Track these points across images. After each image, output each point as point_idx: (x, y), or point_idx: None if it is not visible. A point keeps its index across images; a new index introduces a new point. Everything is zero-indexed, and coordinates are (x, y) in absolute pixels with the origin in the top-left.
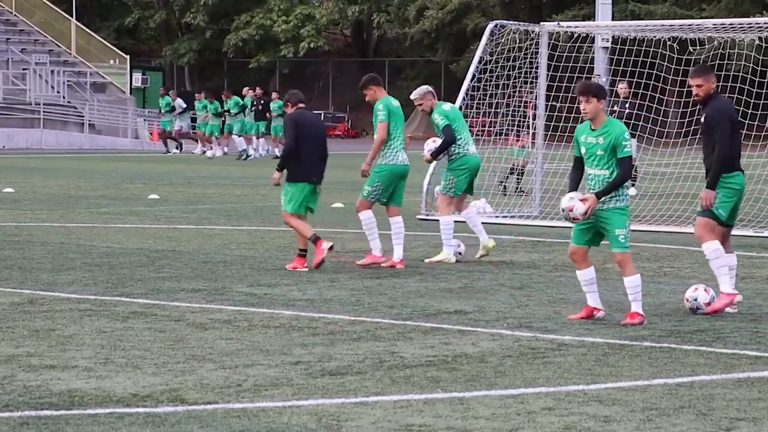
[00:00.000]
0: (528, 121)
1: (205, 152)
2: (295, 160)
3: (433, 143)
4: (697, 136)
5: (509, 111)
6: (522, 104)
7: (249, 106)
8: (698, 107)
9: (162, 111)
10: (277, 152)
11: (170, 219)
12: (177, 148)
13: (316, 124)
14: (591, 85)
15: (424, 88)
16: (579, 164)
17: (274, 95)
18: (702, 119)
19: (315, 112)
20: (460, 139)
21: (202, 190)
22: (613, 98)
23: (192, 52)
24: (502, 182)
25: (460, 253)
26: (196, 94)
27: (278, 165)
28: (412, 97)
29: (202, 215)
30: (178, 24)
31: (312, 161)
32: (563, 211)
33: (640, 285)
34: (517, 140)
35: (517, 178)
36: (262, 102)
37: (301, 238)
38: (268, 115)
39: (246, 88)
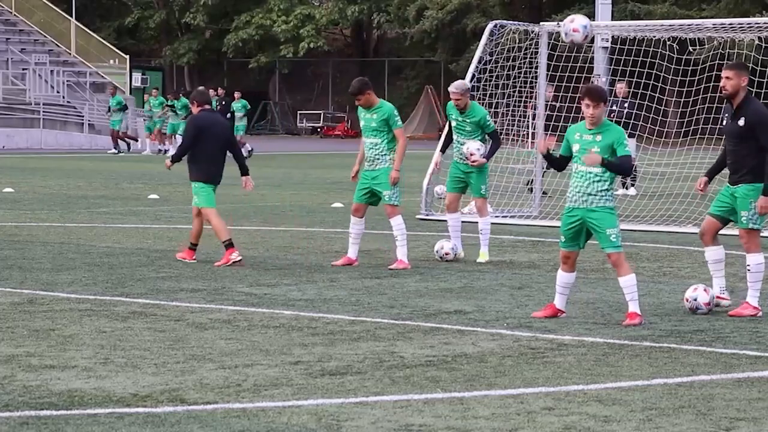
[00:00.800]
0: (528, 121)
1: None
2: (200, 162)
3: (476, 149)
4: (713, 136)
5: (509, 111)
6: (523, 104)
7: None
8: (698, 107)
9: (112, 109)
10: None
11: (170, 219)
12: (125, 147)
13: (219, 125)
14: (601, 90)
15: (466, 83)
16: (562, 160)
17: (236, 95)
18: (740, 122)
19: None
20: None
21: None
22: (612, 98)
23: (192, 52)
24: (528, 183)
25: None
26: (168, 95)
27: (172, 158)
28: (452, 89)
29: None
30: (177, 24)
31: (216, 163)
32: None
33: (635, 284)
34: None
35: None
36: (223, 102)
37: (194, 233)
38: (229, 115)
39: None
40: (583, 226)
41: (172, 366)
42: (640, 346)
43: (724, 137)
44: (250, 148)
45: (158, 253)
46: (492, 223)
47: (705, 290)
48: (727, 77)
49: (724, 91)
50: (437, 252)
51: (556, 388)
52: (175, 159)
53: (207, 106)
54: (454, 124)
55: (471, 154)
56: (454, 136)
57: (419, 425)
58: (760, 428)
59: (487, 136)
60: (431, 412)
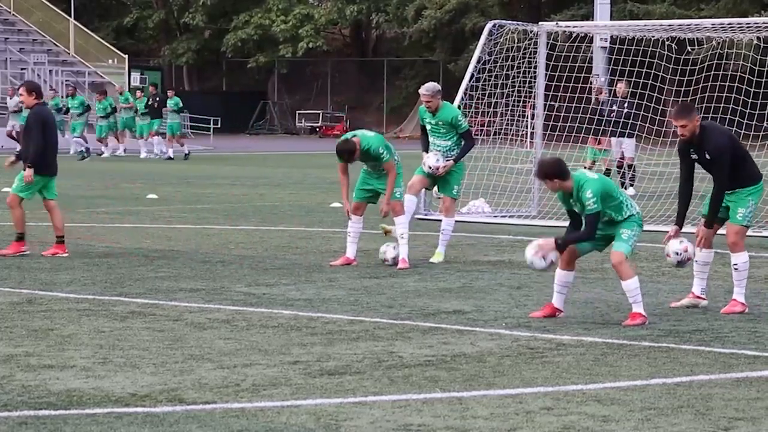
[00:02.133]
0: (527, 121)
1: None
2: (46, 155)
3: (434, 161)
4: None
5: (509, 110)
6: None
7: (143, 105)
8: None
9: (72, 112)
10: (171, 153)
11: (169, 219)
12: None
13: (52, 118)
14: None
15: (437, 85)
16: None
17: (170, 92)
18: (707, 155)
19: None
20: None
21: (200, 190)
22: (611, 98)
23: (191, 52)
24: (622, 185)
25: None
26: (97, 95)
27: (30, 161)
28: (422, 91)
29: (200, 215)
30: (176, 24)
31: (54, 155)
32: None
33: (638, 286)
34: (596, 142)
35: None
36: (158, 99)
37: (56, 227)
38: (163, 112)
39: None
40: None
41: (170, 366)
42: (638, 345)
43: (683, 170)
44: (186, 151)
45: (156, 252)
46: (490, 223)
47: (685, 248)
48: (682, 126)
49: (683, 137)
50: (381, 256)
51: (555, 388)
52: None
53: (41, 100)
54: (428, 127)
55: (436, 168)
56: (431, 139)
57: (418, 425)
58: (759, 428)
59: (459, 136)
60: (430, 411)
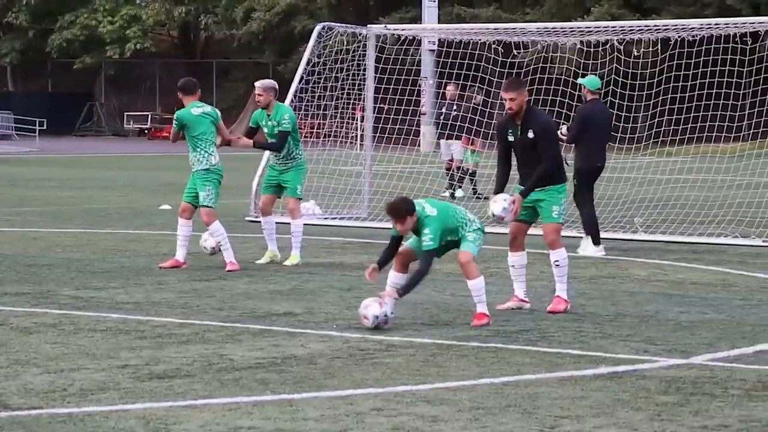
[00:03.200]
0: (357, 123)
1: None
2: None
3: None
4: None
5: (338, 113)
6: (351, 106)
7: None
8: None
9: None
10: None
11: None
12: None
13: None
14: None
15: (273, 83)
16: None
17: None
18: (529, 134)
19: (142, 113)
20: (300, 142)
21: (26, 192)
22: (440, 100)
23: (15, 52)
24: (450, 187)
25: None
26: None
27: None
28: (257, 84)
29: (26, 218)
30: None
31: None
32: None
33: (483, 287)
34: (471, 143)
35: (470, 179)
36: None
37: None
38: None
39: None
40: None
41: None
42: (467, 346)
43: (500, 152)
44: None
45: None
46: (321, 225)
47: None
48: (511, 99)
49: (510, 111)
50: (201, 244)
51: (385, 389)
52: None
53: None
54: (266, 130)
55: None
56: (270, 140)
57: (248, 427)
58: (583, 426)
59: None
60: (260, 414)
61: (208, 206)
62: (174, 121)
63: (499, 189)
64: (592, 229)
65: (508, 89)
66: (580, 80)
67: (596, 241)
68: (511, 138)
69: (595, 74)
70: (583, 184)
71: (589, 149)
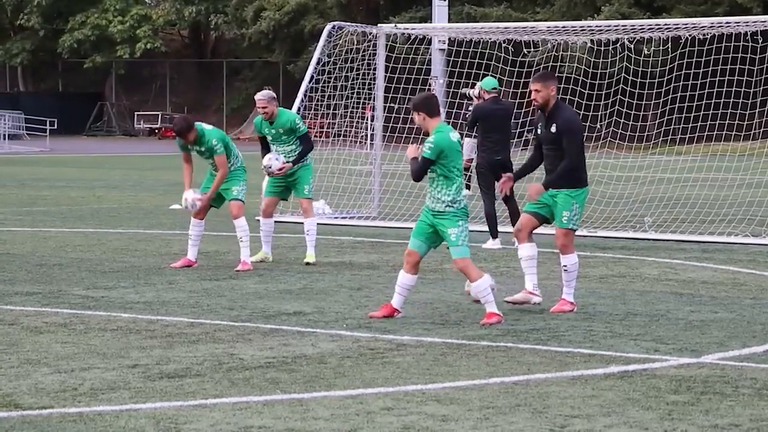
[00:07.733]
0: (366, 123)
1: None
2: None
3: (272, 162)
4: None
5: (348, 112)
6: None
7: None
8: (532, 108)
9: None
10: None
11: (3, 222)
12: None
13: None
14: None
15: (272, 92)
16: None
17: None
18: (552, 128)
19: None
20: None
21: (36, 192)
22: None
23: (25, 53)
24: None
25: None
26: None
27: None
28: (258, 97)
29: (36, 218)
30: (10, 24)
31: None
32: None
33: (488, 286)
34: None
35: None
36: None
37: None
38: None
39: None
40: (434, 228)
41: (6, 371)
42: (477, 345)
43: (535, 143)
44: None
45: None
46: (331, 224)
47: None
48: (536, 90)
49: (535, 103)
50: (185, 203)
51: (395, 389)
52: None
53: None
54: (269, 138)
55: (268, 167)
56: (275, 147)
57: (258, 427)
58: (594, 425)
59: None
60: (271, 413)
61: (240, 200)
62: (222, 147)
63: (521, 173)
64: (488, 221)
65: (535, 80)
66: (478, 83)
67: (493, 234)
68: (539, 131)
69: (494, 76)
70: (483, 177)
71: (489, 144)
